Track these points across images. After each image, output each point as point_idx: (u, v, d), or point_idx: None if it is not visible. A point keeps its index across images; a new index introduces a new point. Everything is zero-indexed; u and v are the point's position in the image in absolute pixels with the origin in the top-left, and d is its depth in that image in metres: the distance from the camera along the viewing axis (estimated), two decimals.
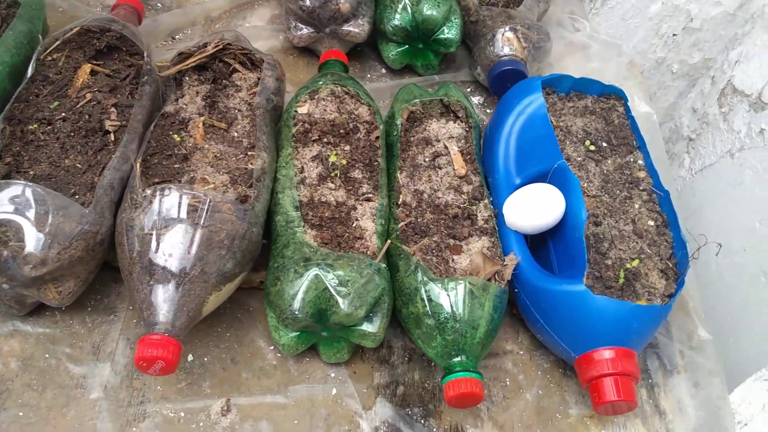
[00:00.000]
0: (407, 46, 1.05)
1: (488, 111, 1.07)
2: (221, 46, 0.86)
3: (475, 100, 1.08)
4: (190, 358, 0.75)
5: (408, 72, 1.09)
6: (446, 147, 0.87)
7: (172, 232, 0.67)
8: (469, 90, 1.09)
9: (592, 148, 0.86)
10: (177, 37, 1.04)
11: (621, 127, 0.89)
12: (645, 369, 0.81)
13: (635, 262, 0.76)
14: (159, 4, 1.08)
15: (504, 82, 1.00)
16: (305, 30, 1.02)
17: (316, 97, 0.86)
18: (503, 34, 1.02)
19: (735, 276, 1.11)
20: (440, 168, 0.86)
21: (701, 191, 1.29)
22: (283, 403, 0.73)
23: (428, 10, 1.00)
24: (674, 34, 1.31)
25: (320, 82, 0.87)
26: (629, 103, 0.92)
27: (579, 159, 0.85)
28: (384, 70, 1.08)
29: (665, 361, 0.82)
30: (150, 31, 1.01)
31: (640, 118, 1.07)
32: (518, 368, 0.80)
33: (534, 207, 0.78)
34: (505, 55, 1.01)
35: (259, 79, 0.87)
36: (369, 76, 1.08)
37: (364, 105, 0.87)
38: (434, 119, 0.90)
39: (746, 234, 1.06)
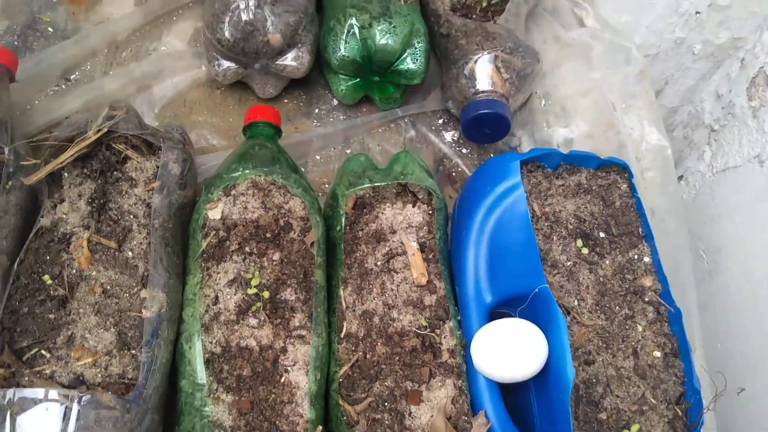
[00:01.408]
0: (360, 79, 0.84)
1: (464, 151, 0.87)
2: (104, 130, 0.66)
3: (448, 136, 0.88)
4: None
5: (366, 103, 0.88)
6: (403, 244, 0.69)
7: None
8: (441, 122, 0.89)
9: (585, 251, 0.67)
10: (73, 76, 0.83)
11: (624, 210, 0.70)
12: None
13: (634, 428, 0.60)
14: (50, 29, 0.86)
15: (481, 127, 0.81)
16: (229, 66, 0.81)
17: (233, 192, 0.67)
18: (479, 64, 0.80)
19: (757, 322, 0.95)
20: (396, 272, 0.68)
21: (721, 197, 1.10)
22: None
23: (383, 38, 0.78)
24: (697, 12, 1.08)
25: (237, 173, 0.68)
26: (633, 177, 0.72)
27: (569, 264, 0.67)
28: (336, 102, 0.88)
29: None
30: (35, 75, 0.80)
31: (650, 150, 0.87)
32: None
33: (507, 353, 0.61)
34: (482, 92, 0.80)
35: (158, 167, 0.67)
36: (317, 111, 0.87)
37: (296, 198, 0.68)
38: (388, 203, 0.71)
39: None
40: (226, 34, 0.77)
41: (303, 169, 0.82)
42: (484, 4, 0.86)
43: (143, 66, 0.84)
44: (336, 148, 0.85)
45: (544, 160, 0.70)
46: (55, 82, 0.82)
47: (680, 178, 1.22)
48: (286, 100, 0.87)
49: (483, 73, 0.80)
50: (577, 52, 0.95)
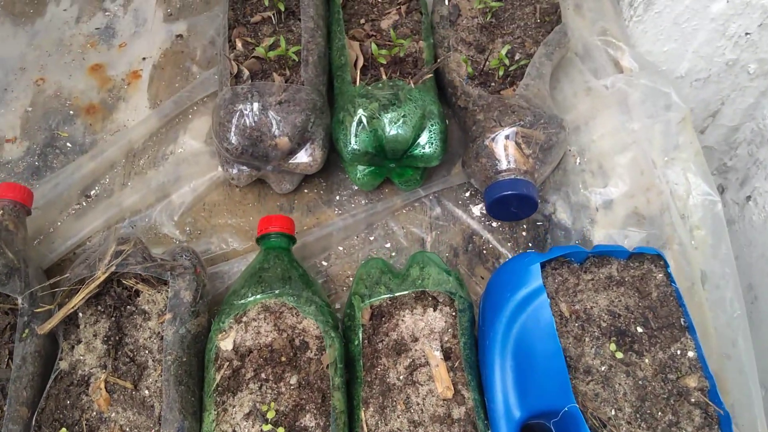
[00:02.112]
0: (376, 167, 0.80)
1: (494, 225, 0.83)
2: (113, 269, 0.66)
3: (476, 210, 0.84)
4: None
5: (387, 184, 0.85)
6: (425, 354, 0.66)
7: None
8: (467, 195, 0.85)
9: (620, 355, 0.62)
10: (93, 192, 0.83)
11: (662, 300, 0.65)
12: None
13: None
14: (68, 145, 0.87)
15: (506, 207, 0.76)
16: (242, 169, 0.79)
17: (244, 319, 0.66)
18: (498, 142, 0.76)
19: None
20: (421, 384, 0.65)
21: None
22: None
23: (393, 129, 0.75)
24: (747, 33, 0.99)
25: (247, 299, 0.66)
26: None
27: (603, 369, 0.62)
28: (356, 186, 0.85)
29: None
30: (55, 197, 0.81)
31: (699, 206, 0.80)
32: None
33: None
34: (504, 171, 0.76)
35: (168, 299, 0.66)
36: (338, 198, 0.84)
37: (309, 318, 0.66)
38: (407, 309, 0.68)
39: None
40: (233, 141, 0.75)
41: (326, 263, 0.80)
42: (501, 72, 0.81)
43: (160, 175, 0.83)
44: (359, 236, 0.82)
45: (569, 254, 0.65)
46: (76, 201, 0.82)
47: (748, 198, 1.12)
48: (306, 190, 0.85)
49: (503, 151, 0.76)
50: (612, 101, 0.89)
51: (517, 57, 0.84)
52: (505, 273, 0.66)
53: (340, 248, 0.81)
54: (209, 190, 0.84)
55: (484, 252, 0.81)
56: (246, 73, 0.81)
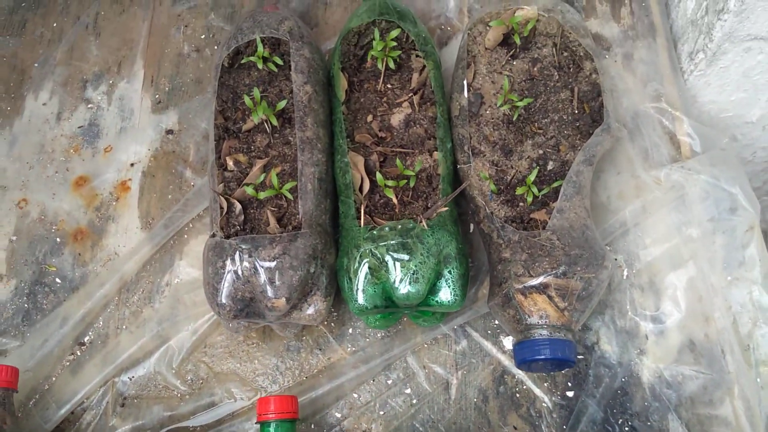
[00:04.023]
0: (389, 313, 0.71)
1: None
2: None
3: (508, 342, 0.74)
4: None
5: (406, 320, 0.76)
6: None
7: None
8: (496, 322, 0.75)
9: None
10: (87, 338, 0.77)
11: None
12: None
13: None
14: (57, 281, 0.79)
15: (538, 365, 0.67)
16: (239, 322, 0.71)
17: None
18: (527, 295, 0.65)
19: None
20: None
21: None
22: None
23: (404, 287, 0.65)
24: None
25: None
26: None
27: None
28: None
29: None
30: (46, 353, 0.75)
31: (766, 336, 0.69)
32: None
33: None
34: (534, 326, 0.65)
35: None
36: (351, 331, 0.76)
37: None
38: None
39: None
40: (224, 304, 0.67)
41: (339, 414, 0.72)
42: (530, 199, 0.69)
43: (157, 314, 0.76)
44: (375, 380, 0.74)
45: None
46: (70, 351, 0.76)
47: None
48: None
49: (533, 306, 0.65)
50: (666, 199, 0.76)
51: (550, 166, 0.72)
52: None
53: (355, 395, 0.73)
54: (210, 329, 0.76)
55: (517, 395, 0.72)
56: (238, 207, 0.71)
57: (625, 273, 0.75)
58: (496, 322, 0.75)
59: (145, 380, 0.75)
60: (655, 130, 0.81)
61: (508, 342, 0.74)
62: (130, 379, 0.75)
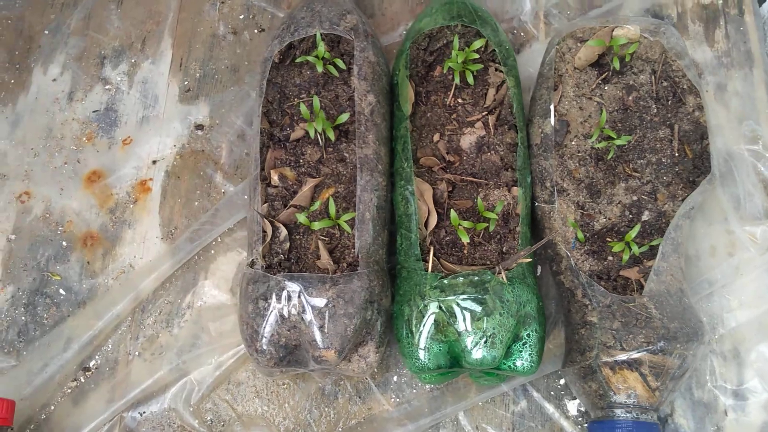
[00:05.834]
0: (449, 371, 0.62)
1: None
2: None
3: (573, 407, 0.66)
4: None
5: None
6: None
7: None
8: (563, 382, 0.67)
9: None
10: (93, 363, 0.67)
11: None
12: None
13: None
14: (62, 292, 0.69)
15: None
16: (279, 369, 0.62)
17: None
18: (615, 370, 0.57)
19: None
20: None
21: None
22: None
23: (478, 352, 0.56)
24: None
25: None
26: None
27: None
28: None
29: None
30: (44, 381, 0.65)
31: None
32: None
33: None
34: (619, 405, 0.57)
35: None
36: (396, 379, 0.67)
37: None
38: None
39: None
40: (265, 348, 0.57)
41: None
42: (626, 257, 0.60)
43: (176, 343, 0.66)
44: None
45: None
46: (72, 377, 0.66)
47: None
48: None
49: (621, 383, 0.57)
50: (760, 262, 0.67)
51: (645, 216, 0.63)
52: None
53: None
54: (236, 365, 0.67)
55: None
56: (283, 233, 0.61)
57: (707, 337, 0.67)
58: (561, 382, 0.67)
59: (158, 417, 0.65)
60: (749, 176, 0.72)
61: (572, 406, 0.66)
62: (141, 415, 0.65)
